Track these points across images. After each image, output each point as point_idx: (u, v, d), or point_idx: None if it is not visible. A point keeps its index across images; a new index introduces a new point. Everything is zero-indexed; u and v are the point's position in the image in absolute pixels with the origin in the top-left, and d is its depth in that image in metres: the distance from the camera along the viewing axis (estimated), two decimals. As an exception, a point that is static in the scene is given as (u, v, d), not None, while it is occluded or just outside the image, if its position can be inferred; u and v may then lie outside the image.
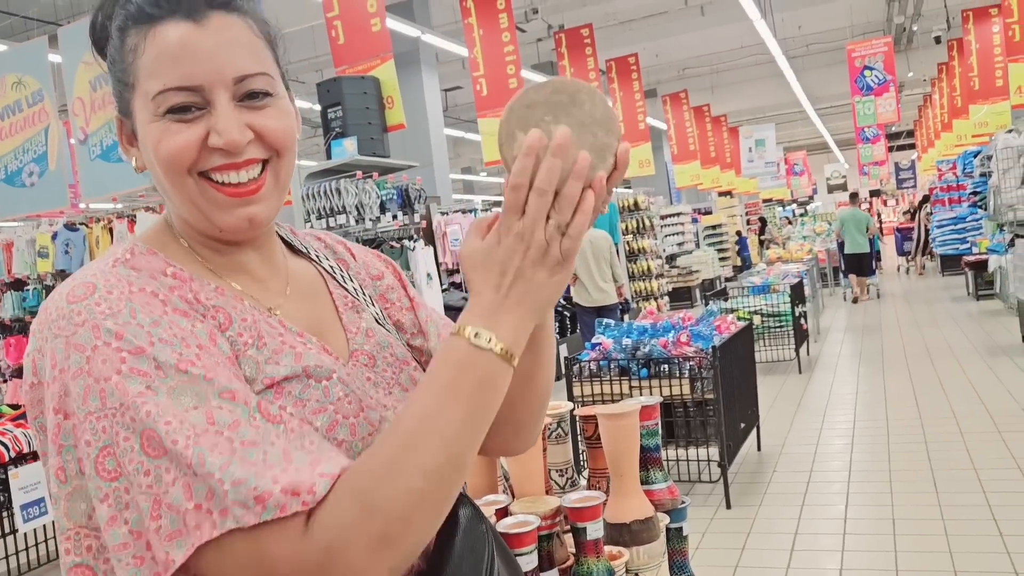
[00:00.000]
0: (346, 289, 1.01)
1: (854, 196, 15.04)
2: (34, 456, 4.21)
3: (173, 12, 0.82)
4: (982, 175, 11.57)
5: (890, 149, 27.14)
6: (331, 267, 1.03)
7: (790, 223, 22.37)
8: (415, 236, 6.24)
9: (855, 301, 13.43)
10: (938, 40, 15.39)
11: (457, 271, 8.87)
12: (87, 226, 6.73)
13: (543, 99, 0.78)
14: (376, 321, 1.01)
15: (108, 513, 0.73)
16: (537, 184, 0.76)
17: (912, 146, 30.59)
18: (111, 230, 6.70)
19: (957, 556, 3.50)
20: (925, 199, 16.31)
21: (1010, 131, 9.48)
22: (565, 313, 9.18)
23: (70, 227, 6.66)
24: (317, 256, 1.03)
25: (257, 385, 0.82)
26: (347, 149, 5.86)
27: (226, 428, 0.73)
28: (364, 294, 1.03)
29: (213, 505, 0.70)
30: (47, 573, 4.52)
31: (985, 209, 11.03)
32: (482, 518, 0.93)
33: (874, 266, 14.37)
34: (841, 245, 13.81)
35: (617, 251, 8.94)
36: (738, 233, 20.48)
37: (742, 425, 4.82)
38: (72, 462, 0.75)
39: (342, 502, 0.72)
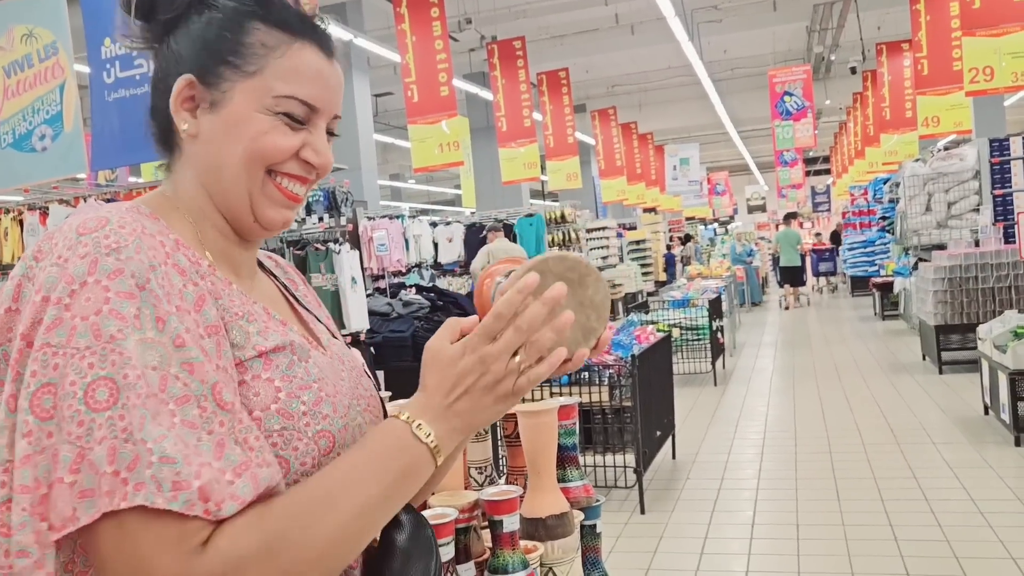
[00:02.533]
0: (305, 308, 1.05)
1: (788, 217, 16.45)
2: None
3: (313, 39, 0.93)
4: (891, 201, 12.12)
5: (807, 173, 28.15)
6: (285, 285, 1.07)
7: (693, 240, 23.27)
8: (340, 239, 6.20)
9: (787, 308, 15.15)
10: (853, 71, 16.07)
11: (382, 276, 8.84)
12: (-5, 217, 6.47)
13: (559, 271, 0.84)
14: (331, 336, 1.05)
15: (24, 451, 0.72)
16: (518, 322, 0.80)
17: (828, 171, 31.82)
18: (21, 222, 6.45)
19: (855, 559, 3.66)
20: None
21: (917, 160, 9.97)
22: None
23: (-23, 217, 6.38)
24: (274, 273, 1.07)
25: (248, 351, 0.84)
26: (274, 149, 5.78)
27: (173, 400, 0.73)
28: (315, 317, 1.07)
29: (131, 476, 0.69)
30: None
31: (892, 233, 11.57)
32: (425, 524, 0.95)
33: (804, 278, 16.17)
34: (776, 260, 15.80)
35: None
36: (668, 248, 20.91)
37: (658, 433, 4.95)
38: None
39: (248, 535, 0.73)
